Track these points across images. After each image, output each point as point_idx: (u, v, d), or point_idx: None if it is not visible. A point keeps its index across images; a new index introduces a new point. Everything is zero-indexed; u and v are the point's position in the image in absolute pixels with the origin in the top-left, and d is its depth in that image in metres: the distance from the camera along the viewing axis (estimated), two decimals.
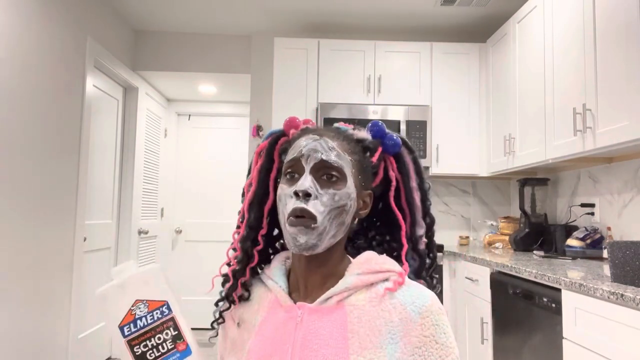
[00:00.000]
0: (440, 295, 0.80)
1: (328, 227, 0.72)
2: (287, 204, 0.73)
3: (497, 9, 3.13)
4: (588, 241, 2.27)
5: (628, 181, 2.19)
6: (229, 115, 4.46)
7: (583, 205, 2.44)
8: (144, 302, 0.76)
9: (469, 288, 2.55)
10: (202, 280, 4.22)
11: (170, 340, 0.76)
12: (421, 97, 3.17)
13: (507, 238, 2.96)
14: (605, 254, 2.20)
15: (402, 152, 0.81)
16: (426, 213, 0.82)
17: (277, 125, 3.12)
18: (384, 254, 0.79)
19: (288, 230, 0.72)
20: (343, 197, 0.72)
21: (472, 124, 3.18)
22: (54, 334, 2.56)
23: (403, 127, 3.07)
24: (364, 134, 0.80)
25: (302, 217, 0.71)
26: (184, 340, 0.76)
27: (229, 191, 4.29)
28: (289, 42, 3.22)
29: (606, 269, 1.82)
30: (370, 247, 0.85)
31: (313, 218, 0.71)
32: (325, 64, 3.19)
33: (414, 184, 0.80)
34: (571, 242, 2.31)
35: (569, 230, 2.46)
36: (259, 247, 0.81)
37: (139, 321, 0.75)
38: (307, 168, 0.73)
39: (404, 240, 0.78)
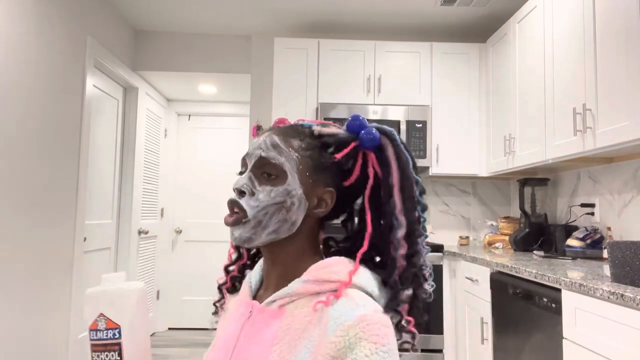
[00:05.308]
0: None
1: (265, 222, 0.72)
2: None
3: (497, 9, 3.13)
4: (588, 241, 2.27)
5: (628, 181, 2.19)
6: (229, 115, 4.46)
7: (583, 205, 2.44)
8: (105, 318, 0.80)
9: (469, 288, 2.55)
10: (202, 280, 4.23)
11: None
12: (421, 97, 3.17)
13: (507, 238, 2.96)
14: (605, 254, 2.20)
15: (383, 146, 0.73)
16: (406, 212, 0.72)
17: None
18: (351, 260, 0.73)
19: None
20: (280, 193, 0.71)
21: (472, 124, 3.18)
22: (54, 334, 2.56)
23: (403, 127, 3.07)
24: (334, 129, 0.75)
25: (236, 213, 0.72)
26: None
27: (229, 191, 4.29)
28: (289, 42, 3.22)
29: (606, 269, 1.81)
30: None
31: (243, 212, 0.72)
32: (325, 64, 3.19)
33: (394, 180, 0.72)
34: (571, 242, 2.31)
35: (569, 230, 2.46)
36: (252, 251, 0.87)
37: (99, 332, 0.80)
38: (249, 165, 0.75)
39: (366, 241, 0.71)
